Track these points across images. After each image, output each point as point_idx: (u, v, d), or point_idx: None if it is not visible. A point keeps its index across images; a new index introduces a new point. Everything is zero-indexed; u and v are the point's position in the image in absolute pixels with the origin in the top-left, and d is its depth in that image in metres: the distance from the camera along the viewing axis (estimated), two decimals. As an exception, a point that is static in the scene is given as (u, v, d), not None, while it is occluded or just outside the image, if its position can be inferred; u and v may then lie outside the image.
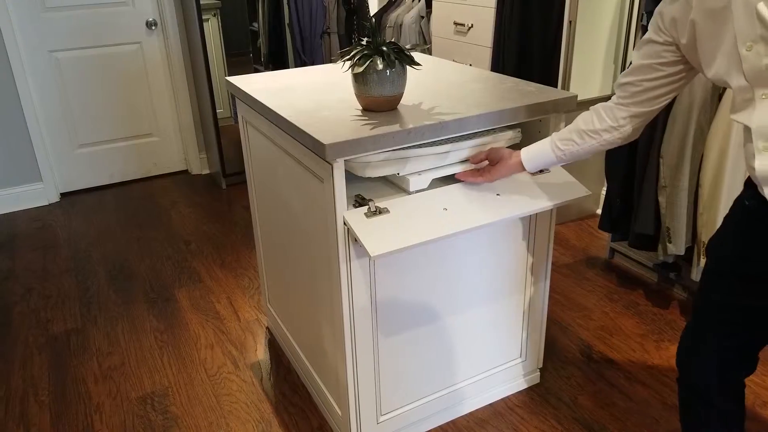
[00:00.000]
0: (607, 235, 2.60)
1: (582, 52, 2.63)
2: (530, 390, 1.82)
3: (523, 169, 1.36)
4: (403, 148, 1.40)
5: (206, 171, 3.70)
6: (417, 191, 1.43)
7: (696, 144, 1.97)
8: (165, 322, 2.22)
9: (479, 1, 2.82)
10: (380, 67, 1.36)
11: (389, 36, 3.40)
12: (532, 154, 1.35)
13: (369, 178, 1.58)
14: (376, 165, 1.38)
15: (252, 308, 2.29)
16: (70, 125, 3.32)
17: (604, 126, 1.22)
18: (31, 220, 3.10)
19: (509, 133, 1.51)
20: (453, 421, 1.72)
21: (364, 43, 1.40)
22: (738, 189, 1.94)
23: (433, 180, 1.44)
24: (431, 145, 1.43)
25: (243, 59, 3.83)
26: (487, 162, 1.42)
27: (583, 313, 2.19)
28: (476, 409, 1.75)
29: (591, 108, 1.27)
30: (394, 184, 1.50)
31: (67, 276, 2.56)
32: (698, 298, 1.20)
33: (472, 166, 1.45)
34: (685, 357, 1.24)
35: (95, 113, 3.36)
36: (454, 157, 1.45)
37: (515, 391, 1.81)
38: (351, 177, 1.57)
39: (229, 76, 1.80)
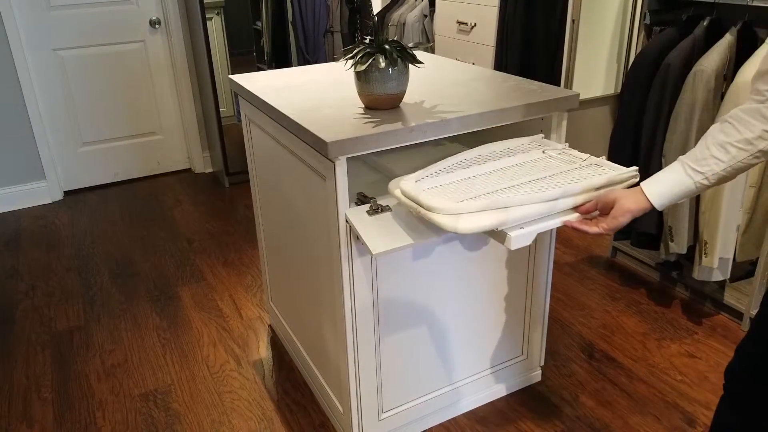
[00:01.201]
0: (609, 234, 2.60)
1: (585, 51, 2.63)
2: (531, 388, 1.83)
3: (650, 207, 1.11)
4: (498, 191, 1.23)
5: (209, 169, 3.71)
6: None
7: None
8: (168, 320, 2.23)
9: (482, 0, 2.83)
10: (382, 65, 1.36)
11: (392, 35, 3.40)
12: (663, 187, 1.09)
13: (373, 180, 1.58)
14: (470, 217, 1.15)
15: (254, 306, 2.30)
16: (73, 123, 3.33)
17: (757, 132, 0.99)
18: (35, 218, 3.12)
19: (627, 174, 1.29)
20: (454, 419, 1.72)
21: (366, 41, 1.40)
22: (740, 188, 1.94)
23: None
24: (533, 185, 1.24)
25: (246, 58, 3.83)
26: (597, 212, 1.20)
27: (584, 312, 2.19)
28: (478, 407, 1.76)
29: (724, 117, 1.05)
30: (396, 182, 1.50)
31: (71, 274, 2.57)
32: (760, 317, 1.09)
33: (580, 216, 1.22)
34: (738, 376, 1.12)
35: (99, 111, 3.38)
36: (564, 204, 1.21)
37: (516, 389, 1.82)
38: (353, 175, 1.57)
39: (232, 74, 1.81)
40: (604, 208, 1.17)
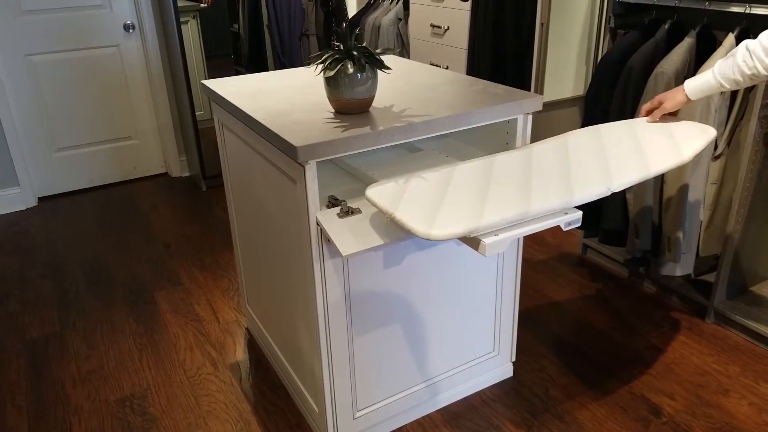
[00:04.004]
0: (580, 232, 2.66)
1: (555, 54, 2.70)
2: (503, 383, 1.87)
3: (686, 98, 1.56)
4: (472, 198, 1.25)
5: (186, 173, 3.70)
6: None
7: (661, 142, 2.03)
8: (144, 325, 2.23)
9: (455, 4, 2.87)
10: (351, 70, 1.39)
11: (368, 39, 3.44)
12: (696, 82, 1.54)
13: (347, 183, 1.61)
14: (443, 224, 1.17)
15: (231, 309, 2.31)
16: (47, 129, 3.30)
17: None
18: (8, 225, 3.09)
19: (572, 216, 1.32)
20: (428, 416, 1.76)
21: (337, 46, 1.43)
22: (702, 185, 2.01)
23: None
24: (509, 191, 1.26)
25: (224, 61, 3.83)
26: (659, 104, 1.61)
27: (555, 308, 2.25)
28: (451, 403, 1.80)
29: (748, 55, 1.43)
30: (366, 185, 1.53)
31: (46, 281, 2.56)
32: None
33: None
34: None
35: (73, 117, 3.35)
36: (536, 209, 1.24)
37: (489, 384, 1.86)
38: (324, 178, 1.60)
39: (209, 77, 1.83)
40: (656, 105, 1.62)
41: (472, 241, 1.21)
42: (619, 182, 1.32)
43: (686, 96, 1.56)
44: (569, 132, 1.65)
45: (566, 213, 1.29)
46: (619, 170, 1.37)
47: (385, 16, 3.37)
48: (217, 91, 1.71)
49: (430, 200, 1.28)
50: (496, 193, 1.30)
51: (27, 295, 2.46)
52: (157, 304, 2.36)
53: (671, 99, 1.58)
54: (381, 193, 1.32)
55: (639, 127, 1.61)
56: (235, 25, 3.80)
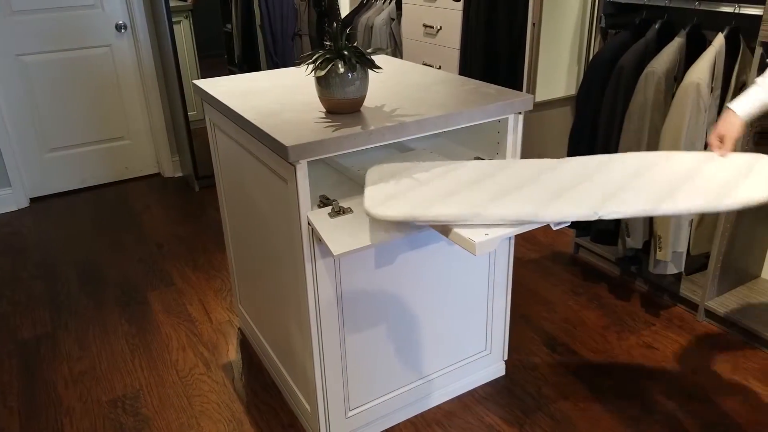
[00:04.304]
0: (572, 231, 2.67)
1: (547, 54, 2.71)
2: (496, 382, 1.88)
3: (740, 119, 1.51)
4: (446, 192, 1.28)
5: (179, 174, 3.69)
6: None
7: (650, 142, 2.04)
8: (136, 326, 2.22)
9: (447, 4, 2.88)
10: (341, 70, 1.40)
11: (360, 38, 3.44)
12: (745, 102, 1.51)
13: (339, 182, 1.61)
14: (388, 206, 1.21)
15: (224, 309, 2.31)
16: (39, 130, 3.29)
17: None
18: (0, 226, 3.07)
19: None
20: (421, 414, 1.76)
21: (328, 46, 1.43)
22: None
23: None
24: (483, 191, 1.27)
25: (217, 61, 3.82)
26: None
27: (548, 307, 2.26)
28: (443, 402, 1.80)
29: None
30: (358, 184, 1.54)
31: (38, 281, 2.54)
32: None
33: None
34: None
35: (65, 117, 3.34)
36: (492, 214, 1.23)
37: (481, 383, 1.87)
38: (316, 178, 1.60)
39: (202, 77, 1.82)
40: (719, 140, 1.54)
41: (464, 241, 1.22)
42: (610, 210, 1.24)
43: (741, 119, 1.52)
44: (641, 152, 1.54)
45: None
46: (627, 198, 1.27)
47: (378, 16, 3.37)
48: (208, 91, 1.71)
49: (410, 186, 1.32)
50: (478, 191, 1.31)
51: (19, 295, 2.44)
52: (149, 304, 2.35)
53: (730, 129, 1.52)
54: (376, 172, 1.38)
55: (714, 160, 1.47)
56: (228, 25, 3.79)
